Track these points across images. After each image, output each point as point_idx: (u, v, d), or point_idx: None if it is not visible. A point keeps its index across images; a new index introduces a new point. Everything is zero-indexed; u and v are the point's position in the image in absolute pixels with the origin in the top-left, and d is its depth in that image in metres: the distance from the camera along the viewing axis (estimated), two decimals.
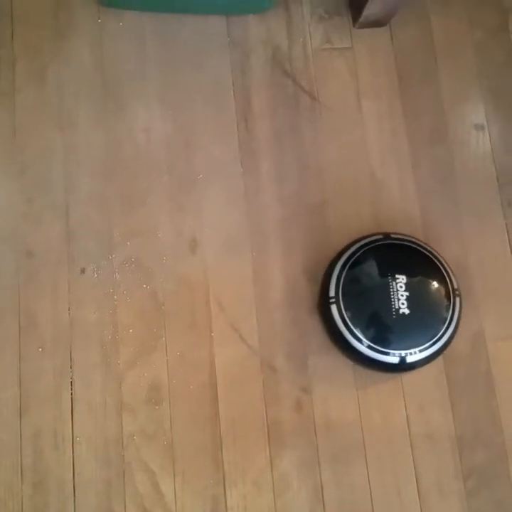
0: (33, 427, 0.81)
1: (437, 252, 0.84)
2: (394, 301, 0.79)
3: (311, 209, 0.90)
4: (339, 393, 0.85)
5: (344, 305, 0.80)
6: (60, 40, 0.92)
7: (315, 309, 0.87)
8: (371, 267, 0.81)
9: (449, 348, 0.87)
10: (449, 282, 0.81)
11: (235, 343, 0.86)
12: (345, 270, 0.81)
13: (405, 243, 0.84)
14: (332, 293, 0.81)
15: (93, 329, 0.84)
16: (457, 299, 0.81)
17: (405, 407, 0.85)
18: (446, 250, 0.88)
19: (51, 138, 0.89)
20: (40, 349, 0.83)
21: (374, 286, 0.80)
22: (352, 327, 0.79)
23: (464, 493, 0.83)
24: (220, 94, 0.92)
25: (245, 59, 0.93)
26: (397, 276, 0.79)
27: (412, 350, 0.78)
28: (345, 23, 0.96)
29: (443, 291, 0.81)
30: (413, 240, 0.84)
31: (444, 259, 0.83)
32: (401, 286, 0.79)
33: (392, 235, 0.85)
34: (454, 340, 0.86)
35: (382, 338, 0.79)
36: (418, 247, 0.83)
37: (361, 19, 0.91)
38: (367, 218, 0.90)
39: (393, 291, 0.79)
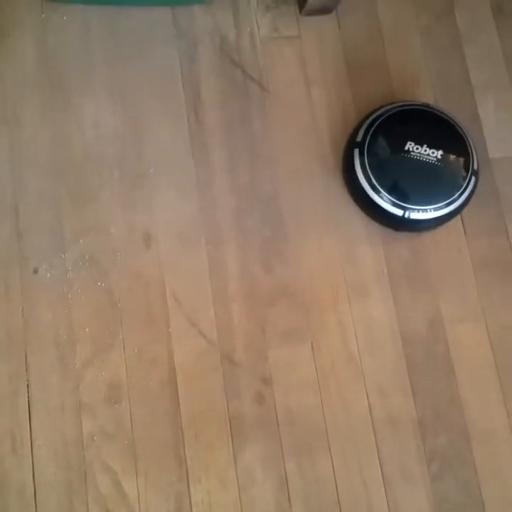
0: None
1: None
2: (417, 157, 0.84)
3: (264, 199, 0.89)
4: (300, 383, 0.84)
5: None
6: (2, 36, 0.90)
7: (272, 299, 0.86)
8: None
9: (407, 331, 0.87)
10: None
11: (193, 337, 0.85)
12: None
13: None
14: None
15: (48, 330, 0.83)
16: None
17: (366, 393, 0.85)
18: None
19: None
20: None
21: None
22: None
23: (428, 477, 0.83)
24: (169, 86, 0.91)
25: (193, 50, 0.92)
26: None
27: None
28: (292, 11, 0.95)
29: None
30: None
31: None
32: (420, 148, 0.84)
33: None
34: (412, 324, 0.87)
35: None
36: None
37: (307, 6, 0.90)
38: (321, 207, 0.90)
39: (414, 151, 0.84)
